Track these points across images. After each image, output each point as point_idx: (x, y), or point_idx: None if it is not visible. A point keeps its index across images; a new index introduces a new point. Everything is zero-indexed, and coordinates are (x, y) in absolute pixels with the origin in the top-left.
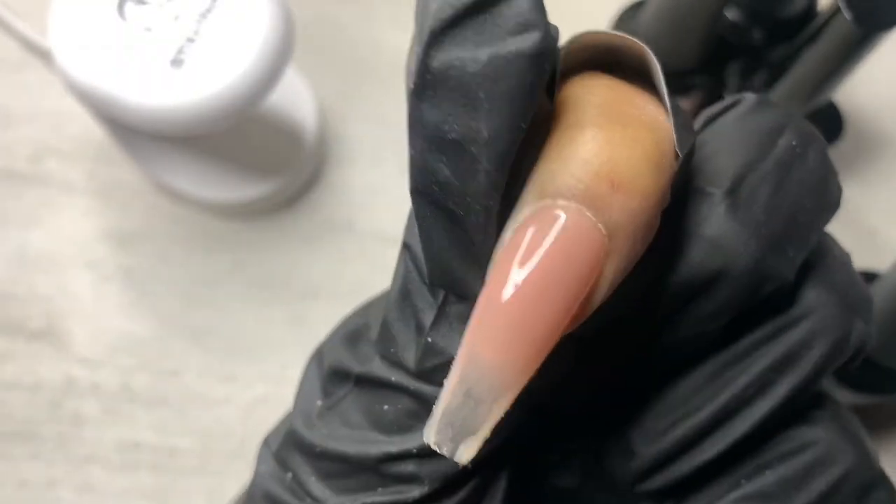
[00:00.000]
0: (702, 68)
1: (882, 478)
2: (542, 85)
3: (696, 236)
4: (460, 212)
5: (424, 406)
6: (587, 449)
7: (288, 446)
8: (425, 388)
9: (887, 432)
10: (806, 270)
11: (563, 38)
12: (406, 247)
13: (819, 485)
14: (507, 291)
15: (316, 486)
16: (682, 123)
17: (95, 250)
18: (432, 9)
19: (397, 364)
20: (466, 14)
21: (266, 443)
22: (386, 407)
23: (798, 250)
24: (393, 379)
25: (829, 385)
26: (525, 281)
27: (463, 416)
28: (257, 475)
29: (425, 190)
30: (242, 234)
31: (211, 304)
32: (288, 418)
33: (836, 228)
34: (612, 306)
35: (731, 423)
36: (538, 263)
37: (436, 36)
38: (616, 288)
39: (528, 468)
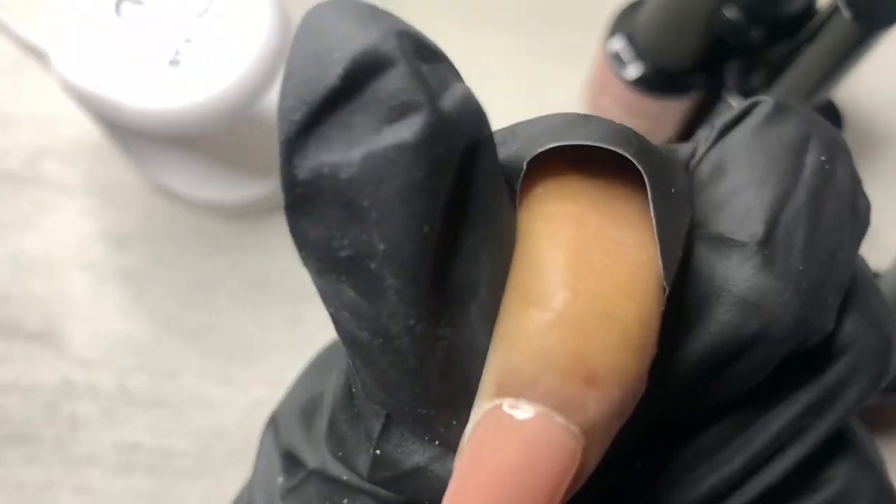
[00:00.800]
0: (700, 67)
1: None
2: (442, 173)
3: (725, 295)
4: (378, 340)
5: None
6: None
7: None
8: (382, 491)
9: (887, 432)
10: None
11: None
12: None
13: None
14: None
15: None
16: (670, 247)
17: (92, 252)
18: (285, 109)
19: (348, 465)
20: (325, 108)
21: (269, 427)
22: (346, 501)
23: (838, 293)
24: (345, 479)
25: None
26: (487, 493)
27: None
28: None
29: (338, 318)
30: (240, 235)
31: (208, 306)
32: (244, 495)
33: None
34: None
35: (762, 472)
36: (498, 482)
37: (292, 143)
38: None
39: None
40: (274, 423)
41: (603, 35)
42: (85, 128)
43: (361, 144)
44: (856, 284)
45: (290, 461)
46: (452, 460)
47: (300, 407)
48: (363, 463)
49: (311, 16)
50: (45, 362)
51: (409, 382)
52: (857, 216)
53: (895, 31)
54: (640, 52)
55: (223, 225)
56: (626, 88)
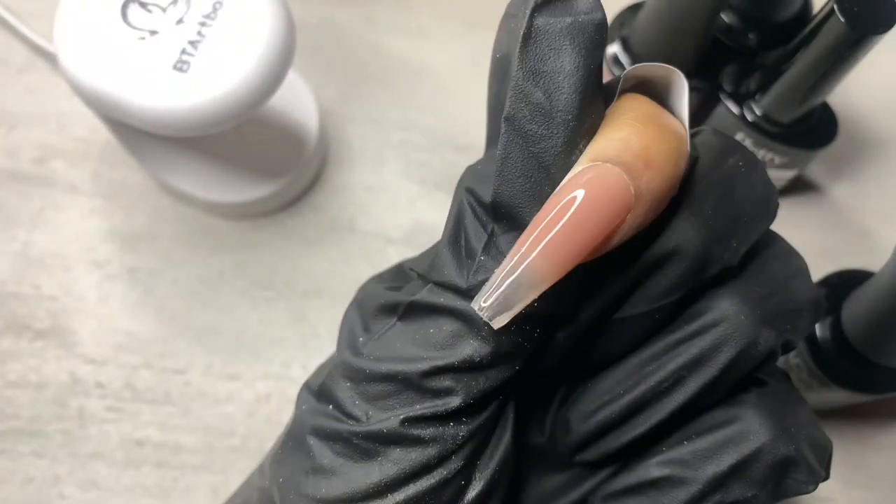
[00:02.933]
0: (697, 71)
1: (801, 457)
2: (602, 48)
3: (664, 221)
4: (543, 130)
5: (467, 325)
6: (546, 417)
7: (333, 378)
8: (469, 308)
9: (884, 430)
10: (729, 278)
11: None
12: (469, 191)
13: (729, 458)
14: (562, 216)
15: (359, 409)
16: (693, 137)
17: (100, 250)
18: None
19: (446, 287)
20: None
21: (306, 386)
22: (432, 330)
23: (740, 243)
24: (441, 301)
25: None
26: (575, 211)
27: (506, 294)
28: (297, 415)
29: (517, 114)
30: (245, 234)
31: (214, 304)
32: (326, 364)
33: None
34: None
35: (650, 410)
36: (584, 200)
37: (538, 6)
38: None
39: (520, 414)
40: (358, 300)
41: None
42: (93, 128)
43: (571, 16)
44: (752, 270)
45: (378, 315)
46: None
47: (385, 286)
48: (463, 275)
49: None
50: (53, 359)
51: (535, 187)
52: (765, 206)
53: (889, 36)
54: (638, 57)
55: (229, 224)
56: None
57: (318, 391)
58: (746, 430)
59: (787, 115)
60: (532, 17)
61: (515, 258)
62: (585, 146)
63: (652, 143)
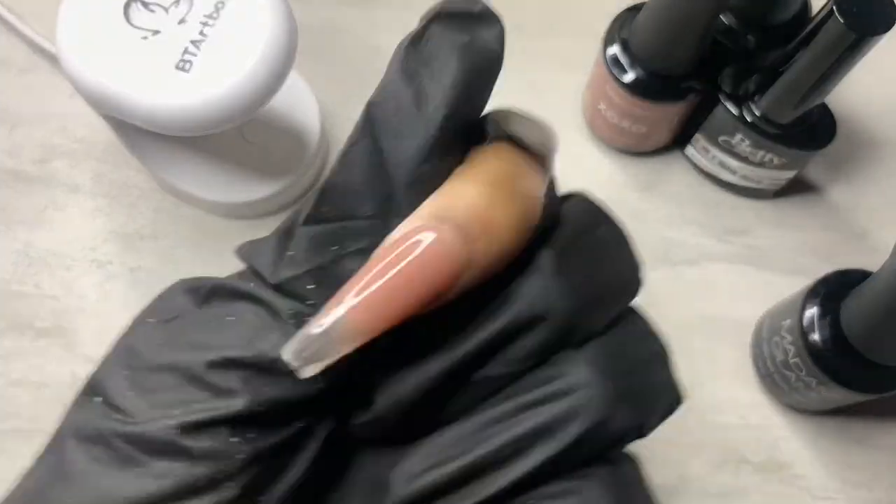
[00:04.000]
0: (696, 72)
1: None
2: (486, 89)
3: (530, 281)
4: (403, 128)
5: (270, 317)
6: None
7: (108, 365)
8: (277, 299)
9: (883, 430)
10: (589, 342)
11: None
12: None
13: None
14: (384, 276)
15: (130, 402)
16: (551, 200)
17: (102, 250)
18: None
19: (257, 274)
20: (460, 14)
21: (89, 376)
22: (231, 318)
23: (605, 314)
24: (250, 287)
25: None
26: (397, 274)
27: (317, 346)
28: (66, 411)
29: (382, 103)
30: (247, 234)
31: None
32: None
33: (830, 229)
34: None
35: (484, 480)
36: (413, 261)
37: (440, 14)
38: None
39: (334, 444)
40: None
41: (601, 40)
42: (95, 128)
43: (470, 37)
44: (614, 341)
45: (190, 289)
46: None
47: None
48: (275, 271)
49: None
50: (54, 358)
51: (373, 188)
52: (628, 282)
53: (888, 37)
54: (638, 58)
55: (230, 224)
56: (624, 93)
57: (90, 380)
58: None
59: (786, 116)
60: (431, 21)
61: (330, 311)
62: (435, 168)
63: (498, 209)
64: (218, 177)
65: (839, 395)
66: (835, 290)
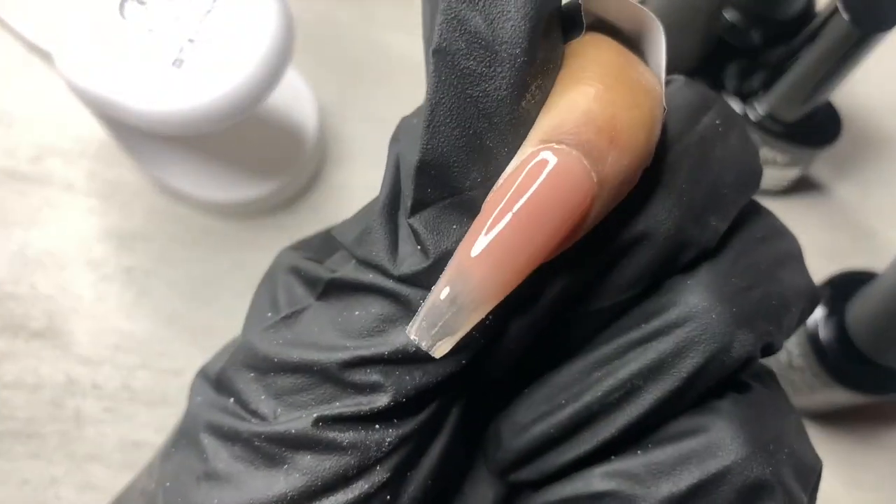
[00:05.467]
0: (700, 69)
1: (779, 482)
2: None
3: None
4: (484, 68)
5: (400, 308)
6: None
7: (234, 365)
8: (404, 288)
9: (889, 431)
10: (703, 262)
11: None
12: (398, 156)
13: (690, 476)
14: (504, 220)
15: (264, 405)
16: (671, 92)
17: (96, 250)
18: None
19: (375, 266)
20: None
21: (202, 373)
22: (357, 312)
23: (720, 220)
24: (370, 278)
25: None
26: (519, 212)
27: (445, 319)
28: (190, 407)
29: (450, 46)
30: (243, 233)
31: (211, 304)
32: (227, 349)
33: (835, 229)
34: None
35: (596, 425)
36: (533, 196)
37: None
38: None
39: (473, 421)
40: (270, 277)
41: None
42: (90, 127)
43: None
44: (728, 256)
45: (293, 288)
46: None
47: (303, 254)
48: (394, 258)
49: None
50: (50, 360)
51: (475, 140)
52: (746, 172)
53: (893, 34)
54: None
55: (226, 224)
56: None
57: (217, 380)
58: (714, 445)
59: (791, 114)
60: None
61: (451, 275)
62: (539, 89)
63: (619, 110)
64: (213, 175)
65: (844, 397)
66: (841, 290)
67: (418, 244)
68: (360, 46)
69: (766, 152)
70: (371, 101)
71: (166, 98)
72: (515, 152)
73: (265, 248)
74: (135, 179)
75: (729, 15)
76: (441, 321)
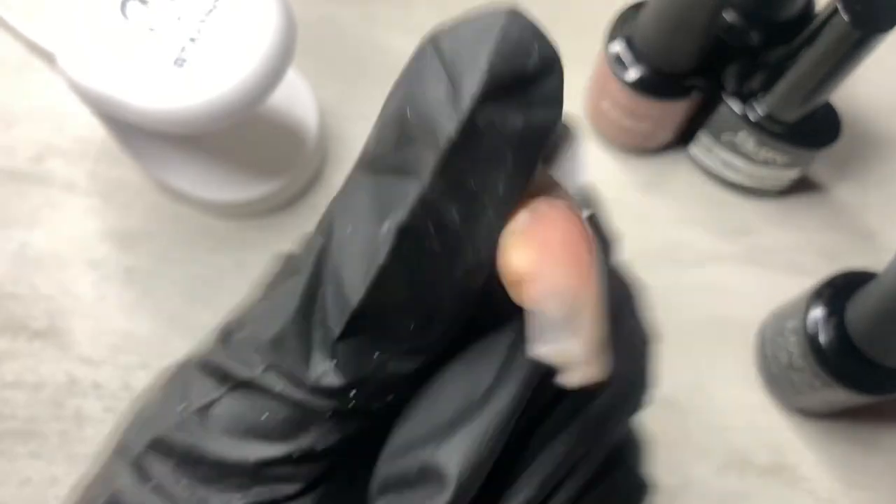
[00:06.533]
0: (700, 70)
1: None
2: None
3: None
4: (445, 252)
5: (307, 416)
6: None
7: (154, 454)
8: (313, 400)
9: (888, 432)
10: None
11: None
12: (316, 271)
13: None
14: (555, 235)
15: (186, 490)
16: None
17: (97, 250)
18: (482, 65)
19: (288, 376)
20: (512, 81)
21: (121, 451)
22: (266, 416)
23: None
24: (280, 388)
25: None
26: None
27: (561, 330)
28: (115, 493)
29: (417, 230)
30: (243, 233)
31: (212, 304)
32: (139, 421)
33: (835, 229)
34: None
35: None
36: (563, 223)
37: (488, 92)
38: None
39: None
40: (182, 369)
41: (603, 38)
42: (91, 126)
43: (524, 113)
44: (618, 316)
45: (203, 377)
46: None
47: (216, 331)
48: (310, 373)
49: (518, 16)
50: (50, 359)
51: (416, 302)
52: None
53: (893, 35)
54: (640, 55)
55: (227, 223)
56: (627, 91)
57: (137, 464)
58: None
59: (791, 115)
60: (474, 109)
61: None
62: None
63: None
64: (214, 175)
65: (844, 397)
66: (840, 290)
67: (335, 364)
68: (361, 47)
69: (765, 153)
70: (371, 100)
71: (168, 97)
72: (458, 302)
73: (265, 248)
74: (135, 179)
75: (729, 15)
76: (565, 334)
